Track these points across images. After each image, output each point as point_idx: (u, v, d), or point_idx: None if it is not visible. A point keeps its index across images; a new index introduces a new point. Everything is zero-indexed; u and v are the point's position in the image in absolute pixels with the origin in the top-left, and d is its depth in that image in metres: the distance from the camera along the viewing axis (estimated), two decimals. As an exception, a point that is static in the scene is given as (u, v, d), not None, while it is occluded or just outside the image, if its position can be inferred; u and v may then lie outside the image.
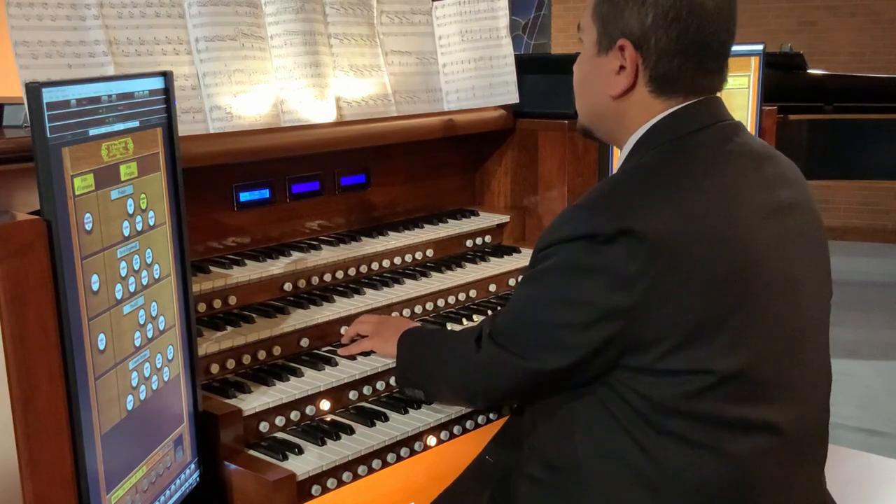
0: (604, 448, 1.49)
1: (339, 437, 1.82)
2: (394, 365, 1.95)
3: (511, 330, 1.58)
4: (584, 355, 1.46)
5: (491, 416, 2.06)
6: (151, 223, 1.53)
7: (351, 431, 1.84)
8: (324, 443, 1.79)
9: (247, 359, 1.95)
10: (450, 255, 2.54)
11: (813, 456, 1.59)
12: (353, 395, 1.96)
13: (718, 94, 1.58)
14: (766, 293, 1.46)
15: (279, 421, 1.83)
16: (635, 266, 1.39)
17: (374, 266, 2.35)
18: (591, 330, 1.44)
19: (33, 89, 1.25)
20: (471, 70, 2.63)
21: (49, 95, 1.26)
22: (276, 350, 2.00)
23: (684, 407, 1.42)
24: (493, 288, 2.47)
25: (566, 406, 1.55)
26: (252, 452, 1.75)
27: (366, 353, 2.02)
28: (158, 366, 1.56)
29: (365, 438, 1.83)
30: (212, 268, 2.06)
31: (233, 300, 2.05)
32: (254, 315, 2.02)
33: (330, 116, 2.29)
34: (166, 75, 1.57)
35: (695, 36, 1.48)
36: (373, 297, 2.18)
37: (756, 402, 1.45)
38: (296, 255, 2.21)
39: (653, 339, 1.41)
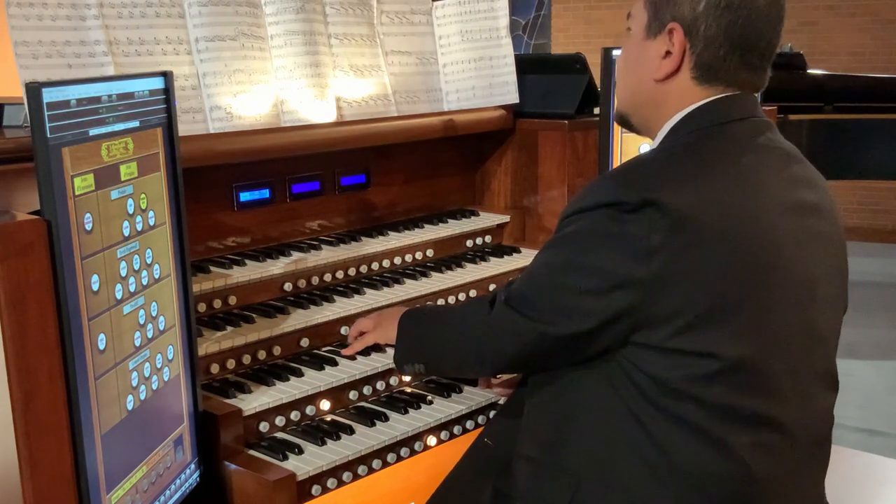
0: (605, 427, 1.49)
1: (339, 437, 1.82)
2: (394, 365, 1.94)
3: (526, 293, 1.58)
4: (596, 324, 1.46)
5: (491, 414, 2.06)
6: (151, 223, 1.53)
7: (351, 431, 1.84)
8: (324, 443, 1.79)
9: (247, 359, 1.95)
10: (450, 255, 2.54)
11: (815, 460, 1.59)
12: (353, 395, 1.96)
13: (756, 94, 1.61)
14: (782, 285, 1.47)
15: (279, 421, 1.83)
16: (657, 238, 1.40)
17: (374, 266, 2.35)
18: (607, 298, 1.44)
19: (33, 89, 1.25)
20: (471, 70, 2.63)
21: (49, 95, 1.26)
22: (276, 350, 2.00)
23: (690, 391, 1.42)
24: (493, 288, 2.46)
25: (567, 384, 1.55)
26: (252, 452, 1.75)
27: (369, 351, 2.02)
28: (158, 366, 1.56)
29: (365, 438, 1.83)
30: (212, 268, 2.06)
31: (233, 300, 2.05)
32: (254, 315, 2.02)
33: (330, 116, 2.29)
34: (166, 75, 1.57)
35: (743, 28, 1.52)
36: (373, 297, 2.18)
37: (762, 394, 1.46)
38: (296, 255, 2.21)
39: (665, 315, 1.42)
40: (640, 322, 1.44)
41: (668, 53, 1.56)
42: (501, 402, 2.06)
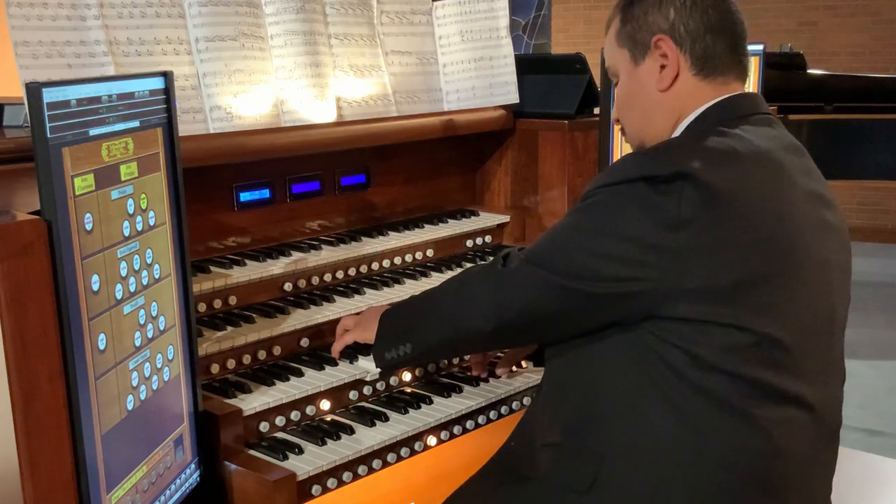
0: (629, 403, 1.49)
1: (339, 437, 1.82)
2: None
3: (549, 251, 1.57)
4: (617, 291, 1.47)
5: (491, 415, 2.06)
6: (151, 223, 1.53)
7: (351, 431, 1.84)
8: (324, 443, 1.79)
9: (247, 359, 1.95)
10: (450, 255, 2.54)
11: (832, 445, 1.61)
12: (353, 395, 1.96)
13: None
14: (804, 268, 1.50)
15: (279, 421, 1.83)
16: (687, 210, 1.42)
17: (374, 266, 2.35)
18: (632, 265, 1.45)
19: (34, 89, 1.25)
20: (471, 70, 2.63)
21: (49, 95, 1.26)
22: (277, 350, 2.00)
23: (718, 363, 1.43)
24: (493, 288, 2.46)
25: (590, 363, 1.55)
26: (252, 452, 1.75)
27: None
28: (159, 366, 1.56)
29: (365, 438, 1.83)
30: (212, 268, 2.06)
31: (233, 300, 2.05)
32: (254, 315, 2.02)
33: (330, 116, 2.29)
34: (166, 75, 1.57)
35: (716, 17, 1.60)
36: (373, 297, 2.18)
37: (790, 372, 1.47)
38: (296, 255, 2.21)
39: (691, 288, 1.43)
40: (665, 293, 1.44)
41: (662, 67, 1.61)
42: (503, 397, 2.05)
